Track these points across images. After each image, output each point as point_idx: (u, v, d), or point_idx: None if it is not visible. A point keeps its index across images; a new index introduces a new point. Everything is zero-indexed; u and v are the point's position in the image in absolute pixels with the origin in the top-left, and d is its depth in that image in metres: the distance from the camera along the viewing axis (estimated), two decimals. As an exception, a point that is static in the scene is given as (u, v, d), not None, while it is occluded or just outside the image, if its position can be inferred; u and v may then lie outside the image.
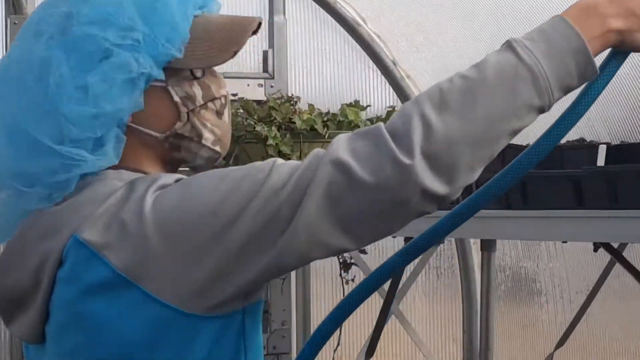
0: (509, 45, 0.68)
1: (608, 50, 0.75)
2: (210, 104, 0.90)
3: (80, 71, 0.83)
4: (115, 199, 0.80)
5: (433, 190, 0.67)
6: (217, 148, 0.90)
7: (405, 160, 0.65)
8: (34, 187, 0.86)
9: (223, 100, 0.91)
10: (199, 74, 0.88)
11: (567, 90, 0.70)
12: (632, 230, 1.52)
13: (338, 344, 2.64)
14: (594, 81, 0.71)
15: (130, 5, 0.84)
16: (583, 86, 0.72)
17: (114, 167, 0.85)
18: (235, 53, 0.85)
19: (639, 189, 1.46)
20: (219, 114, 0.90)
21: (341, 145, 0.69)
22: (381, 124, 0.70)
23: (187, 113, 0.88)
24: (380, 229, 0.73)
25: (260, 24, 0.87)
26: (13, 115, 0.87)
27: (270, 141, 2.36)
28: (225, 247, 0.75)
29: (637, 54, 0.76)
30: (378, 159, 0.68)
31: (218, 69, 0.92)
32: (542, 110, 0.69)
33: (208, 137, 0.89)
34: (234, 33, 0.88)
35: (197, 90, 0.88)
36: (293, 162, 0.77)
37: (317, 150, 0.73)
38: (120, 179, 0.84)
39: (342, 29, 2.68)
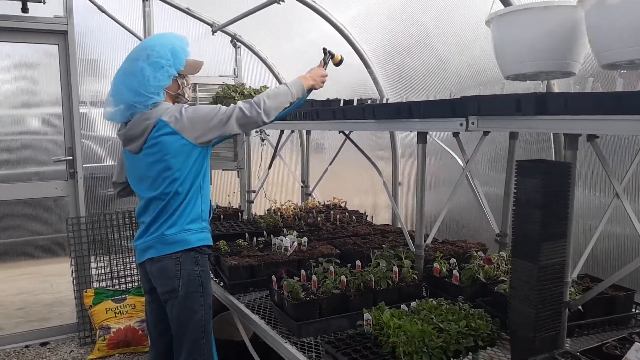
0: (285, 84, 2.46)
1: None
2: (187, 86, 2.48)
3: (153, 72, 2.29)
4: (173, 108, 2.29)
5: (265, 120, 2.35)
6: (189, 99, 2.47)
7: (259, 111, 2.35)
8: (140, 106, 2.30)
9: (191, 84, 2.53)
10: (185, 76, 2.46)
11: (300, 98, 2.49)
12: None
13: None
14: (303, 97, 2.53)
15: (168, 52, 2.32)
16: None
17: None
18: (196, 72, 2.47)
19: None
20: (190, 89, 2.47)
21: (241, 103, 2.32)
22: (254, 98, 2.35)
23: (182, 88, 2.46)
24: (250, 128, 2.46)
25: (202, 63, 2.43)
26: (132, 84, 2.30)
27: (237, 99, 4.39)
28: (208, 126, 2.30)
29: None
30: (251, 109, 2.34)
31: (192, 77, 2.52)
32: (292, 103, 2.44)
33: (187, 97, 2.50)
34: (197, 66, 2.47)
35: (185, 81, 2.47)
36: (230, 107, 2.34)
37: (236, 104, 2.30)
38: (167, 105, 2.32)
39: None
